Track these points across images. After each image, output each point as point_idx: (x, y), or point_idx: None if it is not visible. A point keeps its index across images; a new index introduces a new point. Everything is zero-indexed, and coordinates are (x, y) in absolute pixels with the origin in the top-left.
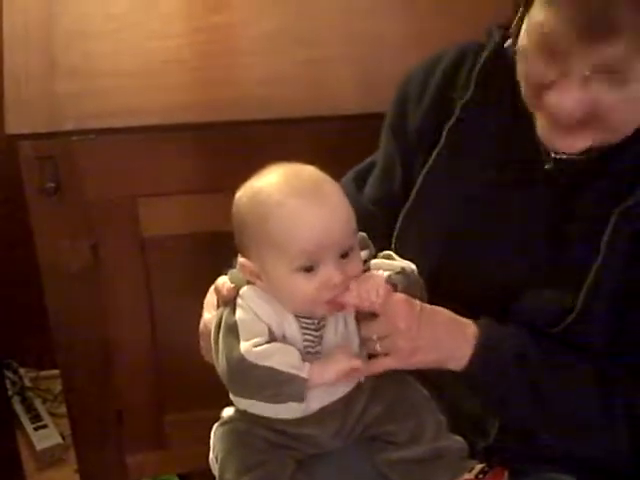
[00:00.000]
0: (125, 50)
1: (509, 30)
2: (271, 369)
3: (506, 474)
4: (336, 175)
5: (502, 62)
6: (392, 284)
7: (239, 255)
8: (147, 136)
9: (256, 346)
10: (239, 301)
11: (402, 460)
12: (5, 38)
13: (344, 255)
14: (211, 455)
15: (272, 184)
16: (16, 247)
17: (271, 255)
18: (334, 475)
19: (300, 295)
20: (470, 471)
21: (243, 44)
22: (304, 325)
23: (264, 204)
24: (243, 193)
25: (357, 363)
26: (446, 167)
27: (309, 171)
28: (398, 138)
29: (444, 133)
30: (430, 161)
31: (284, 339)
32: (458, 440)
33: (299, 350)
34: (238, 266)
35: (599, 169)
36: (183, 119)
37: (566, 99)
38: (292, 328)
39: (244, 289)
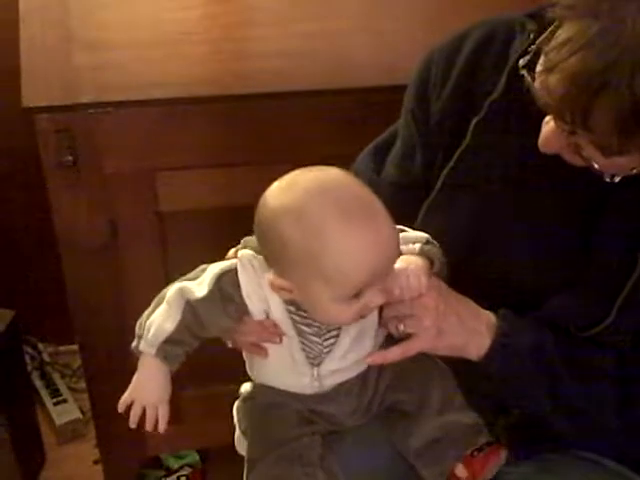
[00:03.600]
0: (142, 22)
1: (541, 17)
2: (151, 313)
3: (503, 452)
4: (354, 148)
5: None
6: (429, 259)
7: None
8: (165, 109)
9: (181, 293)
10: (232, 260)
11: (415, 446)
12: (21, 10)
13: (389, 273)
14: (237, 432)
15: (323, 210)
16: (35, 222)
17: (318, 285)
18: (357, 450)
19: (339, 319)
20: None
21: (260, 15)
22: (302, 310)
23: (319, 237)
24: (285, 212)
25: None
26: (471, 164)
27: (350, 190)
28: (419, 124)
29: (470, 129)
30: (455, 156)
31: (267, 314)
32: (470, 415)
33: (295, 336)
34: (267, 282)
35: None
36: (201, 92)
37: (548, 139)
38: (277, 309)
39: (244, 251)
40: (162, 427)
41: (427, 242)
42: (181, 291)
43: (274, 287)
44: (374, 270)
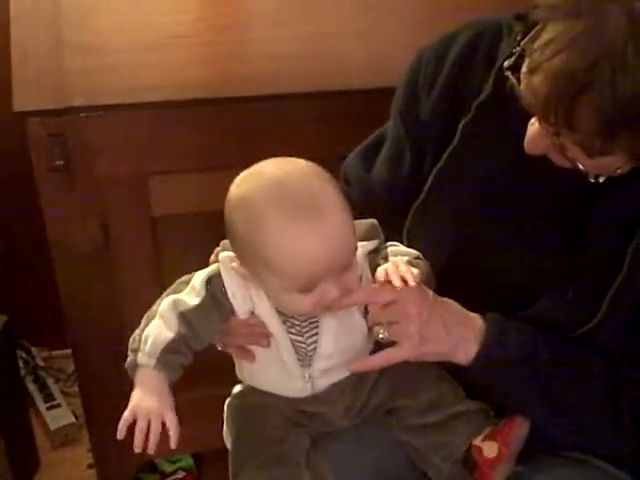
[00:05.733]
0: (135, 25)
1: (529, 19)
2: (144, 327)
3: (522, 420)
4: (349, 150)
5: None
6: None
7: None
8: (157, 112)
9: (173, 305)
10: (214, 265)
11: (421, 425)
12: (12, 13)
13: (343, 270)
14: (225, 428)
15: (271, 205)
16: (28, 227)
17: (267, 276)
18: (348, 452)
19: (294, 309)
20: None
21: (253, 18)
22: None
23: (263, 229)
24: (238, 203)
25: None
26: (460, 165)
27: (305, 186)
28: (408, 125)
29: (459, 130)
30: (443, 158)
31: (252, 313)
32: (478, 403)
33: (284, 333)
34: (231, 268)
35: (623, 177)
36: (193, 95)
37: (533, 139)
38: (264, 306)
39: (224, 254)
40: (174, 440)
41: (416, 258)
42: (175, 303)
43: (237, 273)
44: (320, 269)
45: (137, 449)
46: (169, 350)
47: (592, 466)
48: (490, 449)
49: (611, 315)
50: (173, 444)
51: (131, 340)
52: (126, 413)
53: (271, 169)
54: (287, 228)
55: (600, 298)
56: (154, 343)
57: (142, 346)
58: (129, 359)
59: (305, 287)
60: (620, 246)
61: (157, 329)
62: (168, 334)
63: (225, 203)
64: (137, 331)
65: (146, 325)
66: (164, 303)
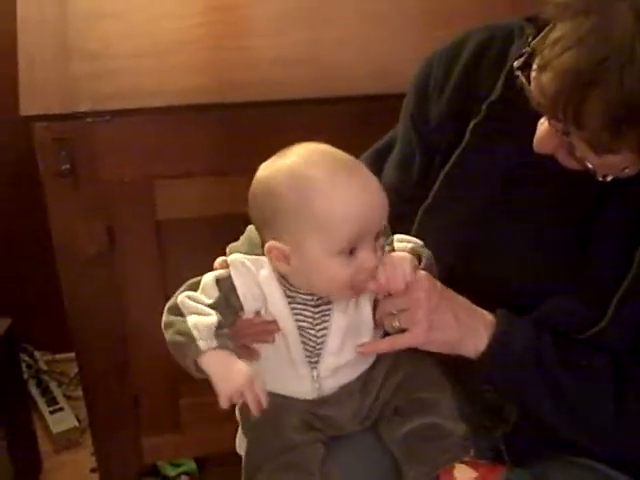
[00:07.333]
0: (139, 31)
1: (539, 22)
2: (184, 322)
3: (504, 469)
4: (353, 155)
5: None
6: (417, 255)
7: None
8: (163, 118)
9: (192, 300)
10: (221, 270)
11: (406, 435)
12: (19, 19)
13: (376, 237)
14: (239, 432)
15: (312, 163)
16: (31, 230)
17: (312, 238)
18: (359, 461)
19: (336, 279)
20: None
21: (257, 24)
22: (300, 301)
23: (308, 186)
24: (275, 173)
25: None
26: (467, 166)
27: (337, 151)
28: (418, 128)
29: (468, 131)
30: (452, 159)
31: (263, 313)
32: (463, 427)
33: (294, 329)
34: (265, 249)
35: (628, 180)
36: (199, 100)
37: (542, 139)
38: (276, 302)
39: (232, 256)
40: (264, 400)
41: (421, 247)
42: (192, 299)
43: (272, 255)
44: (363, 219)
45: (256, 412)
46: (221, 327)
47: (596, 471)
48: (464, 473)
49: (618, 317)
50: (264, 404)
51: (175, 340)
52: (222, 397)
53: (296, 147)
54: (336, 180)
55: (607, 301)
56: (206, 327)
57: (196, 334)
58: (188, 357)
59: (350, 244)
60: (628, 248)
61: (198, 317)
62: (211, 317)
63: (255, 184)
64: (173, 330)
65: (182, 323)
66: (181, 301)
